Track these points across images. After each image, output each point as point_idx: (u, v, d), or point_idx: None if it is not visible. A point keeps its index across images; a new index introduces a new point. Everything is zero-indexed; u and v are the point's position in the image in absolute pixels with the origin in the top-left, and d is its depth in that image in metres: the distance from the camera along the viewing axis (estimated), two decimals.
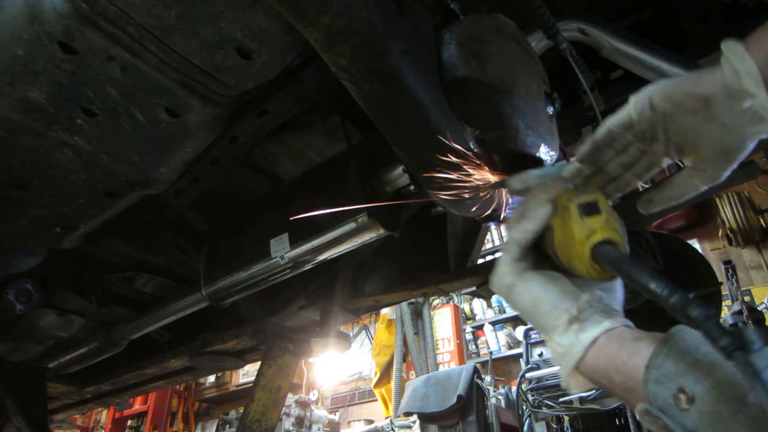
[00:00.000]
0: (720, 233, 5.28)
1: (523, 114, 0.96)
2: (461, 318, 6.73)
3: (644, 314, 1.68)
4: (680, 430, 0.52)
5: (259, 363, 1.92)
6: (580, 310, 0.68)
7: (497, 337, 6.40)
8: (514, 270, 0.76)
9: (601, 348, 0.65)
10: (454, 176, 0.91)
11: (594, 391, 4.09)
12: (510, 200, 0.94)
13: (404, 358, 6.35)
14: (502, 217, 1.05)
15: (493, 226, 6.28)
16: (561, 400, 4.21)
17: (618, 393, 0.64)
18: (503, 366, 6.24)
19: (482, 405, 4.37)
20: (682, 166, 0.73)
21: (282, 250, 1.33)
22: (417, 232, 1.80)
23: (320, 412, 6.82)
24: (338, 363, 7.54)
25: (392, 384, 6.19)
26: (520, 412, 4.45)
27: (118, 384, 2.28)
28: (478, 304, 6.74)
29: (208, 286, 1.51)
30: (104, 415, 8.60)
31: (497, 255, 2.99)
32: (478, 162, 0.91)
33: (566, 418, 4.45)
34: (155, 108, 1.02)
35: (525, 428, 4.45)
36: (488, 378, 5.15)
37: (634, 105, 0.69)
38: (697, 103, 0.65)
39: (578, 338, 0.67)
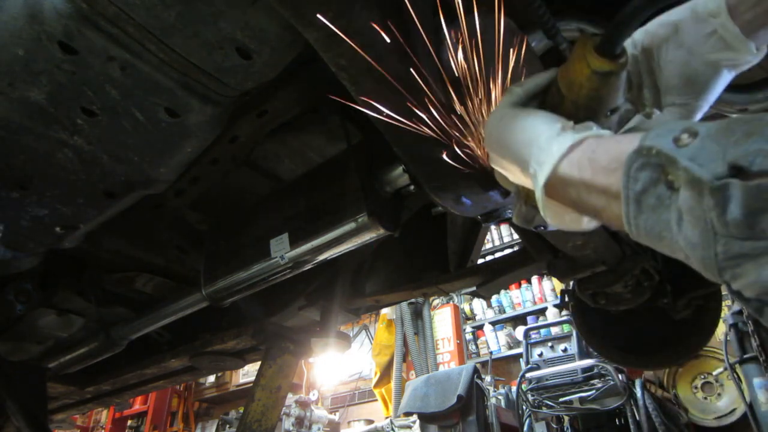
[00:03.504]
0: None
1: None
2: (461, 318, 6.72)
3: (645, 314, 1.68)
4: (678, 160, 0.45)
5: (259, 363, 1.92)
6: (574, 126, 0.63)
7: (497, 337, 6.40)
8: (514, 105, 0.72)
9: (583, 151, 0.59)
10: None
11: (594, 392, 4.10)
12: None
13: (404, 358, 6.35)
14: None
15: (493, 226, 6.28)
16: (561, 400, 4.22)
17: (595, 203, 0.57)
18: (503, 366, 6.24)
19: (482, 405, 4.37)
20: None
21: (282, 250, 1.33)
22: (417, 232, 1.80)
23: (320, 412, 6.82)
24: (338, 363, 7.54)
25: (392, 384, 6.19)
26: (520, 412, 4.45)
27: (118, 384, 2.28)
28: (478, 304, 6.74)
29: (208, 286, 1.51)
30: (104, 415, 8.60)
31: (497, 255, 2.98)
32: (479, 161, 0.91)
33: (566, 418, 4.46)
34: (155, 108, 1.02)
35: (525, 428, 4.46)
36: (488, 378, 5.14)
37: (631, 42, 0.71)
38: (668, 29, 0.69)
39: (559, 141, 0.62)
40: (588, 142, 0.60)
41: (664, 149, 0.47)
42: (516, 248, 6.09)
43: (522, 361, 4.86)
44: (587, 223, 0.66)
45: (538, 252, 1.49)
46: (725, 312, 3.74)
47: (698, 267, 0.46)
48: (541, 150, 0.63)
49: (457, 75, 0.90)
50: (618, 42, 0.64)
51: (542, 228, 0.80)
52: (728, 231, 0.41)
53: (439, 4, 0.89)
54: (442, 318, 6.61)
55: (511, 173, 0.74)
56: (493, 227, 6.50)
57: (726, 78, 0.68)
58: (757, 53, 0.67)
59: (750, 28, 0.65)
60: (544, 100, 0.73)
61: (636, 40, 0.72)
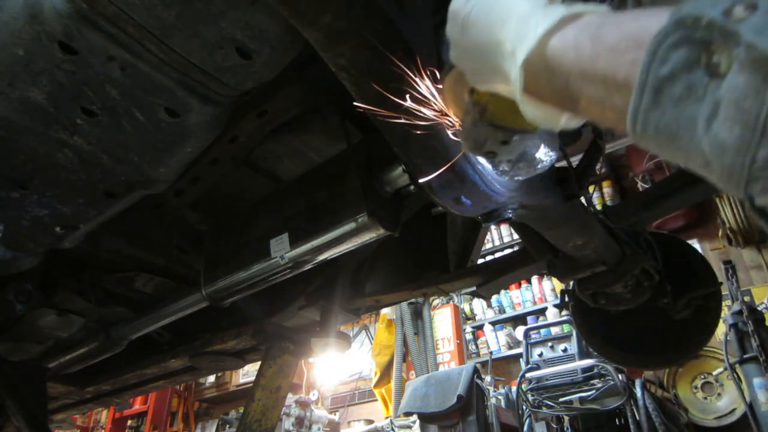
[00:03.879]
0: (720, 233, 5.28)
1: None
2: (461, 318, 6.72)
3: (645, 314, 1.68)
4: (740, 33, 0.35)
5: (259, 363, 1.92)
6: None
7: (497, 337, 6.39)
8: None
9: (582, 27, 0.48)
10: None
11: (594, 392, 4.10)
12: None
13: (404, 358, 6.35)
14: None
15: (493, 226, 6.28)
16: (561, 400, 4.22)
17: (589, 94, 0.47)
18: (503, 366, 6.24)
19: (482, 405, 4.37)
20: None
21: (282, 250, 1.33)
22: (417, 232, 1.80)
23: (320, 412, 6.81)
24: (338, 363, 7.53)
25: (392, 384, 6.18)
26: (520, 412, 4.44)
27: (118, 384, 2.28)
28: (478, 304, 6.73)
29: (208, 286, 1.51)
30: (104, 415, 8.60)
31: (497, 255, 2.98)
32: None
33: (566, 418, 4.45)
34: (155, 108, 1.02)
35: (525, 428, 4.45)
36: (488, 378, 5.14)
37: None
38: None
39: (546, 13, 0.50)
40: (588, 16, 0.49)
41: (717, 20, 0.36)
42: (516, 248, 6.09)
43: (522, 361, 4.86)
44: (567, 121, 0.57)
45: (538, 252, 1.49)
46: (725, 312, 3.74)
47: (717, 175, 0.38)
48: (523, 23, 0.52)
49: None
50: None
51: (492, 155, 0.69)
52: None
53: (439, 4, 0.89)
54: (442, 318, 6.60)
55: (475, 66, 0.62)
56: (493, 227, 6.49)
57: None
58: None
59: None
60: None
61: None
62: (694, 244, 5.25)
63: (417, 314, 6.57)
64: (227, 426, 6.84)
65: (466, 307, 6.85)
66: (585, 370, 4.20)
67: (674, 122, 0.39)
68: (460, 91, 0.70)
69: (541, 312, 6.20)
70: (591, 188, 1.36)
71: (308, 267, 1.39)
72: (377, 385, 6.61)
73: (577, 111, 0.51)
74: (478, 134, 0.67)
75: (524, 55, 0.51)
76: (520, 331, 5.78)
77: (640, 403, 4.00)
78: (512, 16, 0.54)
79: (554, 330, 5.45)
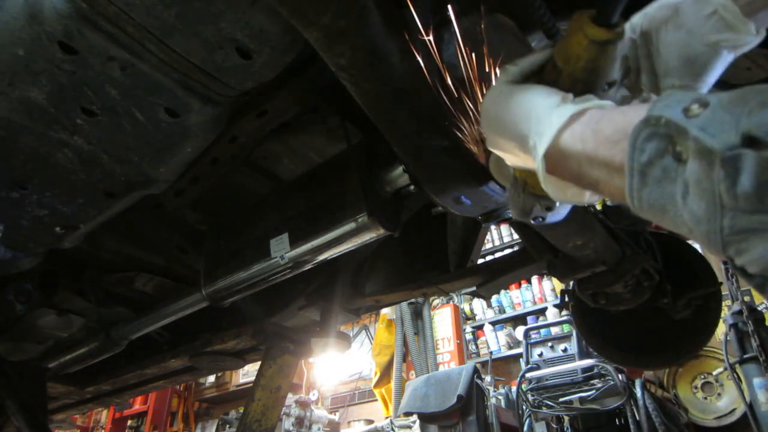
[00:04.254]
0: None
1: None
2: (461, 318, 6.72)
3: (645, 314, 1.68)
4: (688, 129, 0.44)
5: (259, 363, 1.92)
6: (573, 98, 0.62)
7: (497, 337, 6.39)
8: (510, 83, 0.71)
9: (586, 122, 0.58)
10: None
11: (594, 392, 4.10)
12: None
13: (404, 358, 6.35)
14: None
15: (493, 226, 6.29)
16: (561, 400, 4.22)
17: (596, 176, 0.56)
18: (503, 366, 6.24)
19: (482, 405, 4.37)
20: None
21: (282, 250, 1.33)
22: (417, 232, 1.80)
23: (320, 412, 6.82)
24: (338, 363, 7.54)
25: (392, 384, 6.19)
26: (520, 412, 4.45)
27: (118, 384, 2.28)
28: (478, 304, 6.74)
29: (208, 286, 1.51)
30: (104, 415, 8.60)
31: (497, 255, 2.98)
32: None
33: (566, 418, 4.45)
34: (155, 108, 1.02)
35: (525, 428, 4.45)
36: (488, 378, 5.14)
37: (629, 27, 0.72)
38: (668, 11, 0.69)
39: (559, 112, 0.60)
40: (590, 113, 0.59)
41: (673, 119, 0.46)
42: (516, 248, 6.09)
43: (522, 361, 4.86)
44: (590, 197, 0.65)
45: (538, 252, 1.49)
46: (725, 312, 3.74)
47: (702, 242, 0.45)
48: (541, 121, 0.62)
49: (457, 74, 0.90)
50: (614, 10, 0.64)
51: (540, 220, 0.79)
52: (737, 204, 0.40)
53: (438, 3, 0.89)
54: (442, 318, 6.61)
55: (509, 153, 0.72)
56: (493, 227, 6.50)
57: (726, 60, 0.68)
58: (758, 35, 0.66)
59: (750, 9, 0.65)
60: (540, 79, 0.73)
61: (634, 23, 0.71)
62: (694, 244, 5.24)
63: (417, 314, 6.57)
64: (227, 426, 6.84)
65: (466, 307, 6.85)
66: (585, 370, 4.20)
67: (660, 199, 0.48)
68: (504, 168, 0.80)
69: (541, 312, 6.20)
70: None
71: (308, 267, 1.39)
72: (377, 385, 6.61)
73: (592, 190, 0.61)
74: (524, 204, 0.78)
75: (543, 149, 0.61)
76: (520, 331, 5.78)
77: (640, 403, 4.00)
78: (532, 115, 0.64)
79: (554, 330, 5.45)
